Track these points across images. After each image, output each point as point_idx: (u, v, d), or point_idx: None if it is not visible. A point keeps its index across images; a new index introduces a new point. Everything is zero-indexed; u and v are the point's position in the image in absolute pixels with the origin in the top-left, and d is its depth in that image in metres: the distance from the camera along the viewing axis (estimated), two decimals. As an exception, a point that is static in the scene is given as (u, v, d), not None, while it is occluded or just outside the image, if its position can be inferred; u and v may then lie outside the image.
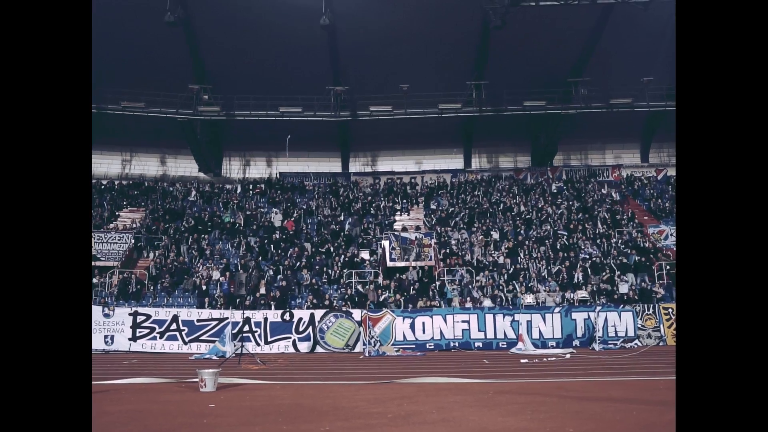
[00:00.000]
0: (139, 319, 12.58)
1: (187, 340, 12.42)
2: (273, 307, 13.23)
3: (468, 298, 13.71)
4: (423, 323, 12.68)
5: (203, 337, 12.42)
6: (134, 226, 18.39)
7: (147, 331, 12.52)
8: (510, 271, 15.08)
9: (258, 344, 12.23)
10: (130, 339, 12.47)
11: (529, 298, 13.51)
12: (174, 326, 12.53)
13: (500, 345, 12.26)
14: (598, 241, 16.75)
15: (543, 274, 15.03)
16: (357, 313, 12.69)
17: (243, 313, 12.43)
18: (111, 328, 12.54)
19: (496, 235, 17.17)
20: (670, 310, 12.49)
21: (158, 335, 12.51)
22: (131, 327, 12.55)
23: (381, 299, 13.72)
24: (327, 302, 13.60)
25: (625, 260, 15.38)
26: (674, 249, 15.19)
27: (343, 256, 16.17)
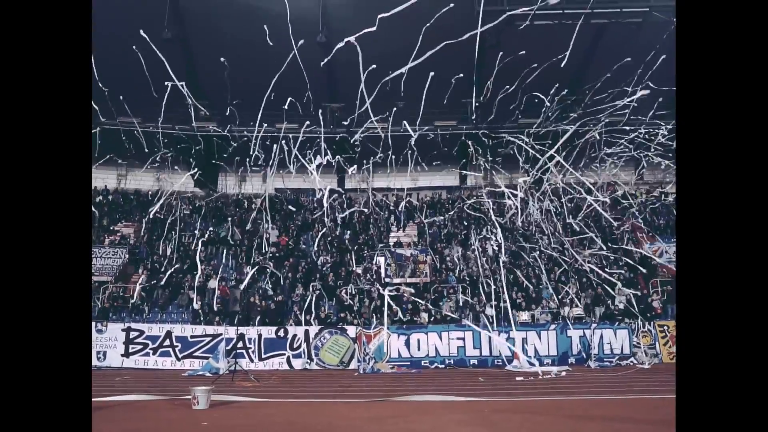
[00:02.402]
0: (132, 334, 12.47)
1: (180, 356, 12.31)
2: (267, 324, 13.15)
3: (463, 315, 13.67)
4: (418, 340, 12.63)
5: (197, 354, 12.32)
6: (128, 241, 18.31)
7: (140, 347, 12.41)
8: (505, 288, 15.04)
9: (252, 360, 12.12)
10: (122, 355, 12.33)
11: (524, 315, 13.49)
12: (167, 342, 12.42)
13: (495, 362, 12.20)
14: (594, 257, 16.77)
15: (538, 291, 15.01)
16: (352, 330, 12.62)
17: (237, 329, 12.35)
18: (103, 344, 12.41)
19: (491, 252, 17.17)
20: (666, 327, 12.49)
21: (151, 351, 12.39)
22: (124, 343, 12.42)
23: (375, 316, 13.66)
24: (322, 318, 13.53)
25: (621, 277, 15.38)
26: (668, 266, 15.25)
27: (338, 272, 16.12)
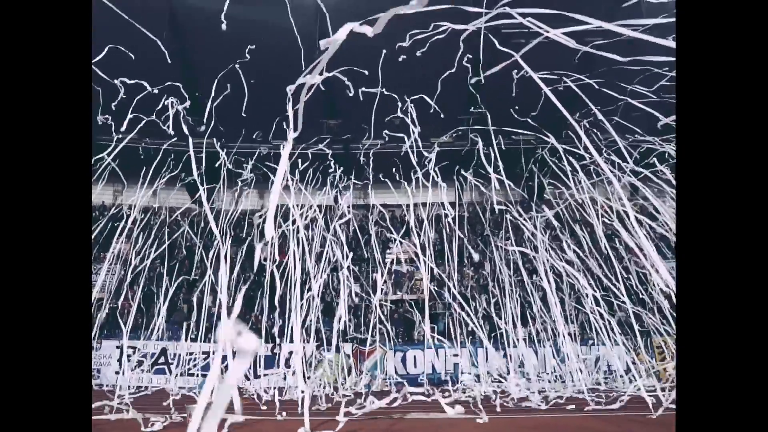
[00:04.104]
0: (127, 351, 12.40)
1: (176, 373, 12.24)
2: (263, 340, 13.09)
3: (460, 332, 13.62)
4: (414, 357, 12.59)
5: (192, 371, 12.25)
6: (124, 257, 18.24)
7: (135, 364, 12.33)
8: (502, 305, 15.03)
9: (248, 378, 12.06)
10: (117, 372, 12.26)
11: (521, 333, 13.45)
12: (162, 359, 12.36)
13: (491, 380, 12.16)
14: (592, 274, 16.74)
15: (535, 309, 14.97)
16: (348, 347, 12.59)
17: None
18: (97, 361, 12.34)
19: (488, 268, 17.16)
20: (662, 344, 12.47)
21: (146, 368, 12.32)
22: (118, 360, 12.36)
23: (372, 333, 13.61)
24: (319, 335, 13.46)
25: (617, 294, 15.34)
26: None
27: (334, 289, 16.07)
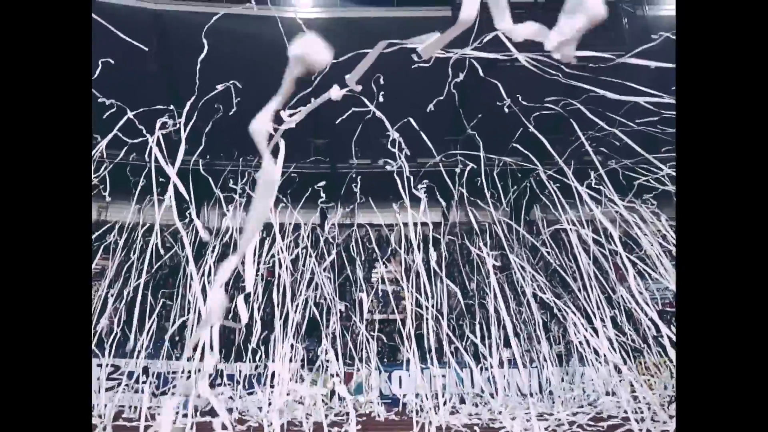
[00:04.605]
0: (107, 370, 12.19)
1: (157, 393, 12.04)
2: (248, 360, 12.94)
3: (445, 353, 13.57)
4: (399, 377, 12.52)
5: (174, 390, 12.06)
6: (107, 273, 18.01)
7: (114, 383, 12.11)
8: (487, 325, 15.03)
9: (231, 399, 11.90)
10: (96, 392, 12.02)
11: (506, 353, 13.44)
12: (144, 378, 12.17)
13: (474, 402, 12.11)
14: (579, 294, 16.82)
15: (520, 329, 14.99)
16: (332, 367, 12.49)
17: (215, 366, 12.12)
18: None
19: (473, 287, 17.18)
20: (651, 365, 12.51)
21: (126, 387, 12.10)
22: (97, 379, 12.13)
23: (356, 353, 13.53)
24: (303, 354, 13.35)
25: (608, 313, 15.41)
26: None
27: (318, 309, 15.97)
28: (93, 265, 18.83)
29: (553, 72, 4.23)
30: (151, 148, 6.66)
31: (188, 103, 6.82)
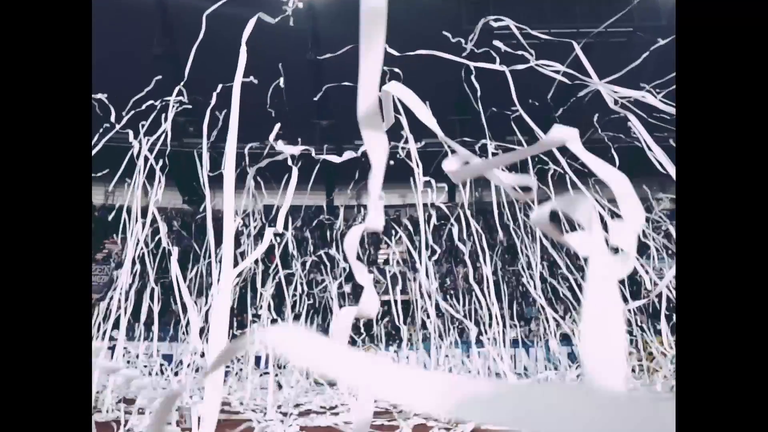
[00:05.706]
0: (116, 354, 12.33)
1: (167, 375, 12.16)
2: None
3: (451, 334, 13.65)
4: (407, 357, 12.60)
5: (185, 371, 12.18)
6: (116, 258, 18.17)
7: (124, 366, 12.27)
8: (493, 305, 15.09)
9: (240, 380, 12.01)
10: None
11: (512, 333, 13.49)
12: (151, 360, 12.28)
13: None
14: (581, 275, 16.86)
15: (526, 309, 15.07)
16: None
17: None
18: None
19: (479, 269, 17.21)
20: (653, 346, 12.52)
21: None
22: (112, 359, 12.29)
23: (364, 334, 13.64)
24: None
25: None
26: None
27: (325, 291, 16.07)
28: (101, 249, 19.00)
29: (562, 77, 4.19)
30: (165, 131, 6.66)
31: (178, 88, 6.77)
